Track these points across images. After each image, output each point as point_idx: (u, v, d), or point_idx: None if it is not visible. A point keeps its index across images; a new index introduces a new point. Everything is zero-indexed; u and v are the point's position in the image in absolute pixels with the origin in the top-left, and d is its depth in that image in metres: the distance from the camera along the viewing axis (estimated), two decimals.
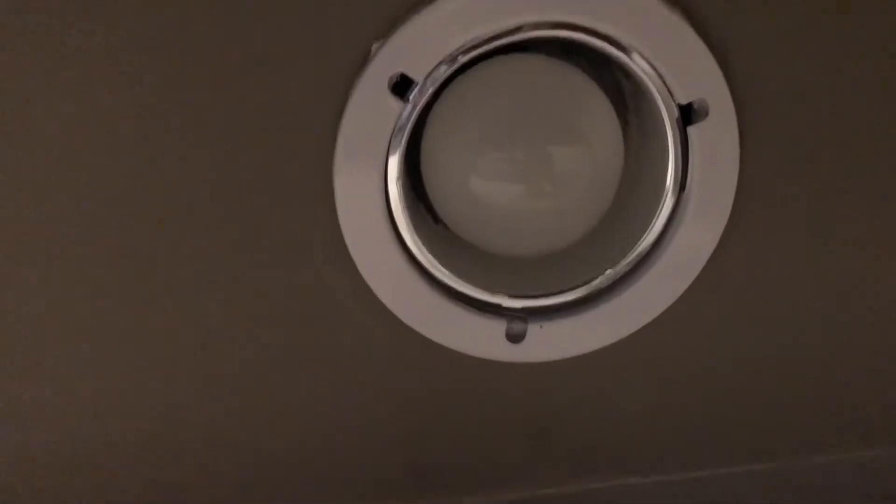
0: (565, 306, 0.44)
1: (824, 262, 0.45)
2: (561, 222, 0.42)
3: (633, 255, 0.43)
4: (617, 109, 0.42)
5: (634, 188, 0.43)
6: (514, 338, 0.43)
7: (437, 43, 0.37)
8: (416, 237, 0.41)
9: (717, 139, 0.40)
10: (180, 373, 0.44)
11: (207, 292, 0.42)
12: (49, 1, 0.35)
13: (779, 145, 0.42)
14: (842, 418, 0.51)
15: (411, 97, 0.38)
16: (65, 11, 0.35)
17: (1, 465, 0.45)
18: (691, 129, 0.40)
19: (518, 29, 0.37)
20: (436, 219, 0.44)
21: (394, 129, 0.38)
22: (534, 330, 0.43)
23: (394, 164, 0.39)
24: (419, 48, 0.37)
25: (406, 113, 0.38)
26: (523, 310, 0.43)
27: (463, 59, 0.38)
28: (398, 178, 0.39)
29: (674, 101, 0.39)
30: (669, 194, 0.42)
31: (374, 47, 0.37)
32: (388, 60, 0.37)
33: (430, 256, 0.42)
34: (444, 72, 0.38)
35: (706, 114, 0.39)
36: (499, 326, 0.43)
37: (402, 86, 0.38)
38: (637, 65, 0.39)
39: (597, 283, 0.43)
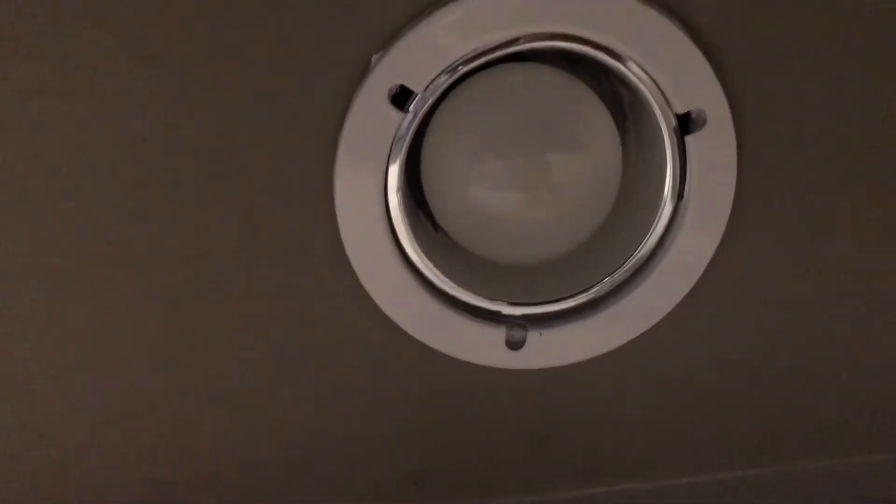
0: (565, 313, 0.44)
1: (822, 269, 0.45)
2: (560, 230, 0.43)
3: (631, 263, 0.43)
4: (615, 118, 0.42)
5: (633, 196, 0.43)
6: (514, 345, 0.44)
7: (436, 54, 0.37)
8: (415, 245, 0.41)
9: (715, 148, 0.40)
10: (179, 375, 0.44)
11: (208, 298, 0.42)
12: (51, 6, 0.35)
13: (776, 154, 0.42)
14: (841, 423, 0.51)
15: (411, 107, 0.38)
16: (69, 17, 0.36)
17: (1, 467, 0.46)
18: (689, 139, 0.40)
19: (516, 40, 0.38)
20: (435, 226, 0.44)
21: (394, 139, 0.39)
22: (533, 337, 0.44)
23: (394, 173, 0.39)
24: (418, 60, 0.37)
25: (406, 123, 0.38)
26: (523, 317, 0.44)
27: (462, 69, 0.38)
28: (398, 187, 0.40)
29: (671, 110, 0.40)
30: (668, 202, 0.42)
31: (373, 59, 0.37)
32: (387, 72, 0.37)
33: (429, 264, 0.42)
34: (444, 82, 0.38)
35: (704, 123, 0.40)
36: (498, 334, 0.43)
37: (401, 96, 0.38)
38: (635, 75, 0.39)
39: (596, 290, 0.44)
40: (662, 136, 0.40)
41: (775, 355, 0.48)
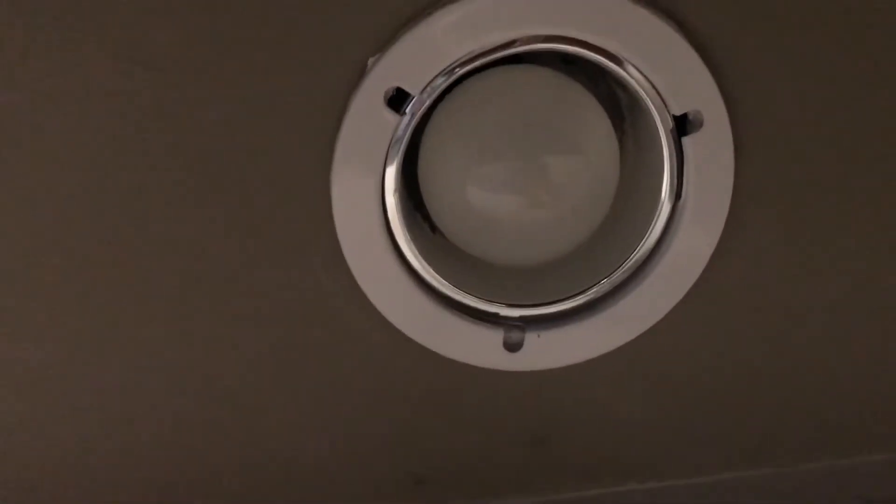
0: (563, 315, 0.44)
1: (820, 269, 0.45)
2: (558, 232, 0.43)
3: (629, 264, 0.43)
4: (613, 120, 0.42)
5: (631, 197, 0.43)
6: (512, 346, 0.44)
7: (433, 57, 0.37)
8: (413, 247, 0.41)
9: (712, 149, 0.40)
10: (178, 375, 0.44)
11: (205, 300, 0.42)
12: (51, 9, 0.35)
13: (773, 154, 0.42)
14: (840, 424, 0.51)
15: (408, 110, 0.38)
16: (68, 17, 0.36)
17: (1, 467, 0.46)
18: (686, 140, 0.40)
19: (513, 42, 0.38)
20: (433, 228, 0.44)
21: (390, 142, 0.39)
22: (531, 339, 0.44)
23: (391, 175, 0.39)
24: (414, 62, 0.37)
25: (403, 125, 0.39)
26: (521, 319, 0.44)
27: (459, 71, 0.38)
28: (395, 190, 0.40)
29: (668, 112, 0.40)
30: (665, 203, 0.42)
31: (370, 62, 0.37)
32: (384, 74, 0.37)
33: (427, 266, 0.42)
34: (441, 84, 0.38)
35: (701, 124, 0.40)
36: (496, 335, 0.43)
37: (398, 99, 0.38)
38: (632, 77, 0.39)
39: (594, 291, 0.44)
40: (660, 137, 0.40)
41: (774, 355, 0.48)
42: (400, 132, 0.39)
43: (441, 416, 0.47)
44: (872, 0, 0.39)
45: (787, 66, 0.40)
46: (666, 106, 0.39)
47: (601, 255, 0.44)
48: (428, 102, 0.38)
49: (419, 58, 0.37)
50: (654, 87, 0.39)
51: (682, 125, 0.40)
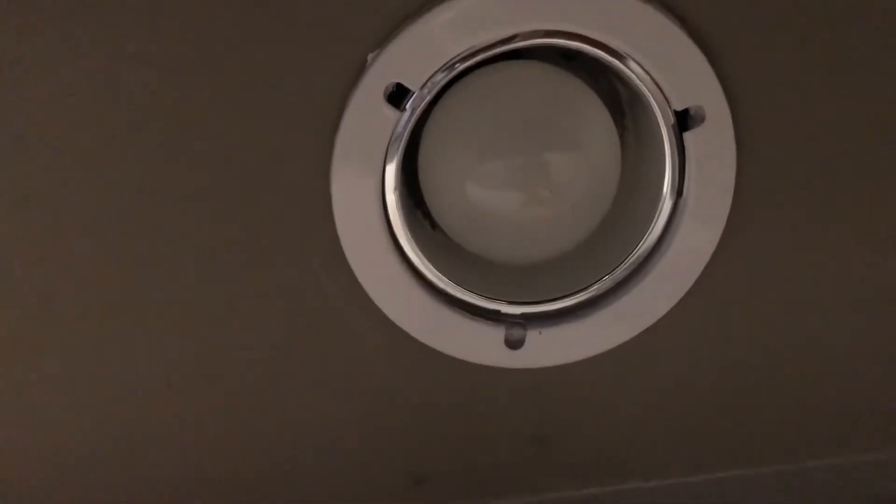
0: (564, 312, 0.44)
1: (822, 266, 0.45)
2: (559, 229, 0.42)
3: (631, 261, 0.43)
4: (614, 115, 0.42)
5: (632, 194, 0.43)
6: (514, 344, 0.44)
7: (432, 53, 0.37)
8: (413, 244, 0.41)
9: (714, 144, 0.40)
10: (178, 375, 0.44)
11: (205, 301, 0.42)
12: (49, 8, 0.35)
13: (775, 150, 0.42)
14: (843, 421, 0.51)
15: (408, 106, 0.38)
16: (66, 18, 0.35)
17: (3, 469, 0.46)
18: (688, 135, 0.40)
19: (513, 38, 0.37)
20: (434, 225, 0.44)
21: (390, 138, 0.38)
22: (533, 336, 0.43)
23: (391, 172, 0.39)
24: (414, 58, 0.37)
25: (403, 121, 0.38)
26: (522, 316, 0.44)
27: (459, 67, 0.38)
28: (395, 187, 0.40)
29: (670, 107, 0.39)
30: (667, 199, 0.42)
31: (369, 57, 0.37)
32: (383, 70, 0.37)
33: (428, 264, 0.42)
34: (441, 80, 0.38)
35: (702, 120, 0.39)
36: (498, 333, 0.43)
37: (398, 95, 0.38)
38: (633, 72, 0.39)
39: (595, 288, 0.43)
40: (661, 133, 0.40)
41: (776, 354, 0.48)
42: (400, 129, 0.38)
43: (442, 414, 0.47)
44: None
45: (790, 60, 0.40)
46: (667, 101, 0.39)
47: (602, 252, 0.44)
48: (428, 98, 0.38)
49: (419, 53, 0.37)
50: (655, 82, 0.39)
51: (684, 121, 0.40)
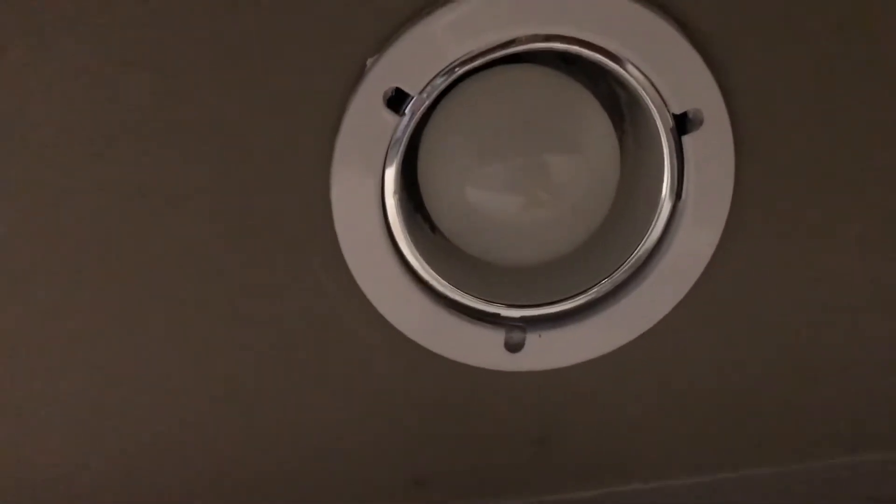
0: (564, 315, 0.44)
1: (821, 267, 0.45)
2: (558, 232, 0.43)
3: (630, 263, 0.43)
4: (613, 119, 0.42)
5: (631, 197, 0.43)
6: (513, 347, 0.44)
7: (431, 57, 0.37)
8: (413, 248, 0.41)
9: (713, 148, 0.40)
10: (177, 378, 0.44)
11: (204, 304, 0.42)
12: (48, 9, 0.35)
13: (774, 152, 0.42)
14: (843, 422, 0.51)
15: (407, 110, 0.38)
16: (64, 19, 0.36)
17: (3, 469, 0.46)
18: (686, 139, 0.40)
19: (512, 42, 0.37)
20: (434, 228, 0.44)
21: (390, 143, 0.39)
22: (532, 339, 0.44)
23: (390, 176, 0.39)
24: (413, 63, 0.37)
25: (402, 125, 0.38)
26: (522, 319, 0.44)
27: (459, 71, 0.38)
28: (395, 191, 0.40)
29: (668, 110, 0.39)
30: (666, 202, 0.42)
31: (368, 62, 0.37)
32: (382, 75, 0.37)
33: (427, 267, 0.42)
34: (440, 84, 0.38)
35: (701, 123, 0.40)
36: (497, 336, 0.43)
37: (397, 99, 0.38)
38: (631, 75, 0.39)
39: (595, 291, 0.44)
40: (660, 136, 0.40)
41: (775, 355, 0.48)
42: (399, 133, 0.39)
43: (441, 417, 0.47)
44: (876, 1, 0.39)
45: (788, 63, 0.40)
46: (666, 105, 0.39)
47: (601, 254, 0.44)
48: (427, 102, 0.38)
49: (418, 58, 0.37)
50: (653, 85, 0.39)
51: (683, 124, 0.40)
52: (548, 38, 0.38)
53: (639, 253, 0.43)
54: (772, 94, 0.40)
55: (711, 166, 0.41)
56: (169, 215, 0.40)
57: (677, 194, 0.41)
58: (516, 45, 0.38)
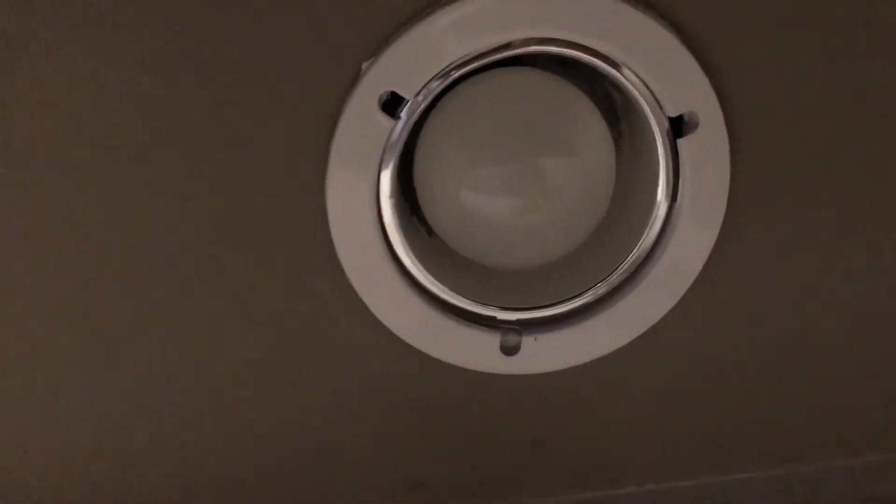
0: (559, 318, 0.44)
1: (817, 269, 0.45)
2: (554, 235, 0.43)
3: (626, 266, 0.43)
4: (609, 122, 0.42)
5: (627, 200, 0.43)
6: (509, 350, 0.44)
7: (427, 61, 0.37)
8: (409, 251, 0.41)
9: (708, 150, 0.40)
10: (174, 383, 0.44)
11: (201, 307, 0.42)
12: (46, 10, 0.35)
13: (769, 154, 0.42)
14: (839, 425, 0.51)
15: (402, 114, 0.38)
16: (63, 20, 0.36)
17: (4, 471, 0.46)
18: (682, 142, 0.40)
19: (507, 45, 0.37)
20: (430, 231, 0.44)
21: (385, 146, 0.38)
22: (528, 342, 0.43)
23: (386, 179, 0.39)
24: (408, 67, 0.37)
25: (398, 129, 0.38)
26: (517, 322, 0.44)
27: (455, 74, 0.38)
28: (391, 194, 0.40)
29: (664, 113, 0.39)
30: (662, 205, 0.42)
31: (363, 66, 0.37)
32: (377, 79, 0.37)
33: (423, 270, 0.42)
34: (436, 88, 0.38)
35: (696, 126, 0.40)
36: (493, 339, 0.43)
37: (392, 103, 0.38)
38: (627, 79, 0.39)
39: (591, 294, 0.44)
40: (655, 139, 0.40)
41: (772, 357, 0.48)
42: (395, 136, 0.38)
43: (438, 420, 0.47)
44: (872, 2, 0.39)
45: (782, 66, 0.40)
46: (661, 108, 0.39)
47: (597, 257, 0.44)
48: (423, 106, 0.38)
49: (413, 62, 0.37)
50: (649, 88, 0.39)
51: (678, 127, 0.40)
52: (543, 41, 0.38)
53: (635, 256, 0.43)
54: (767, 97, 0.40)
55: (707, 169, 0.41)
56: (165, 218, 0.40)
57: (673, 197, 0.41)
58: (512, 49, 0.38)
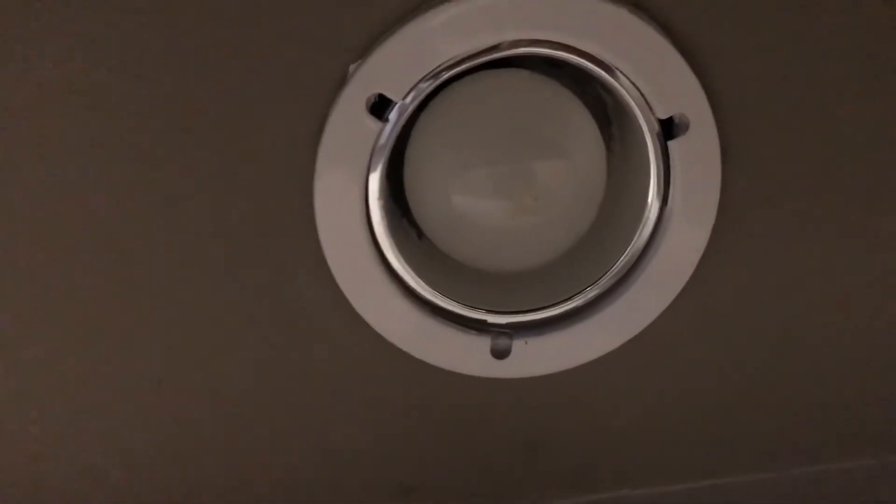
0: (550, 321, 0.44)
1: (809, 270, 0.45)
2: (545, 237, 0.42)
3: (617, 269, 0.43)
4: (600, 124, 0.42)
5: (618, 202, 0.43)
6: (500, 354, 0.43)
7: (415, 63, 0.37)
8: (398, 255, 0.41)
9: (698, 152, 0.40)
10: (164, 385, 0.44)
11: (188, 311, 0.42)
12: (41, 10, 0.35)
13: (760, 156, 0.42)
14: (834, 427, 0.51)
15: (390, 116, 0.38)
16: (56, 20, 0.35)
17: (6, 471, 0.46)
18: (672, 144, 0.40)
19: (496, 47, 0.37)
20: (420, 234, 0.44)
21: (373, 149, 0.38)
22: (519, 345, 0.43)
23: (374, 182, 0.39)
24: (396, 69, 0.37)
25: (386, 132, 0.38)
26: (508, 325, 0.43)
27: (444, 76, 0.38)
28: (379, 197, 0.39)
29: (654, 115, 0.39)
30: (653, 207, 0.42)
31: (351, 68, 0.37)
32: (365, 81, 0.37)
33: (413, 274, 0.41)
34: (425, 89, 0.38)
35: (686, 128, 0.39)
36: (484, 343, 0.43)
37: (380, 105, 0.38)
38: (617, 80, 0.39)
39: (582, 297, 0.43)
40: (646, 141, 0.40)
41: (765, 359, 0.48)
42: (383, 139, 0.38)
43: (429, 424, 0.47)
44: (860, 2, 0.39)
45: (773, 67, 0.40)
46: (651, 109, 0.39)
47: (588, 260, 0.44)
48: (412, 108, 0.38)
49: (401, 64, 0.37)
50: (639, 90, 0.39)
51: (669, 129, 0.40)
52: (533, 42, 0.38)
53: (626, 258, 0.43)
54: (758, 98, 0.40)
55: (698, 171, 0.41)
56: (153, 221, 0.40)
57: (664, 199, 0.41)
58: (501, 50, 0.37)
